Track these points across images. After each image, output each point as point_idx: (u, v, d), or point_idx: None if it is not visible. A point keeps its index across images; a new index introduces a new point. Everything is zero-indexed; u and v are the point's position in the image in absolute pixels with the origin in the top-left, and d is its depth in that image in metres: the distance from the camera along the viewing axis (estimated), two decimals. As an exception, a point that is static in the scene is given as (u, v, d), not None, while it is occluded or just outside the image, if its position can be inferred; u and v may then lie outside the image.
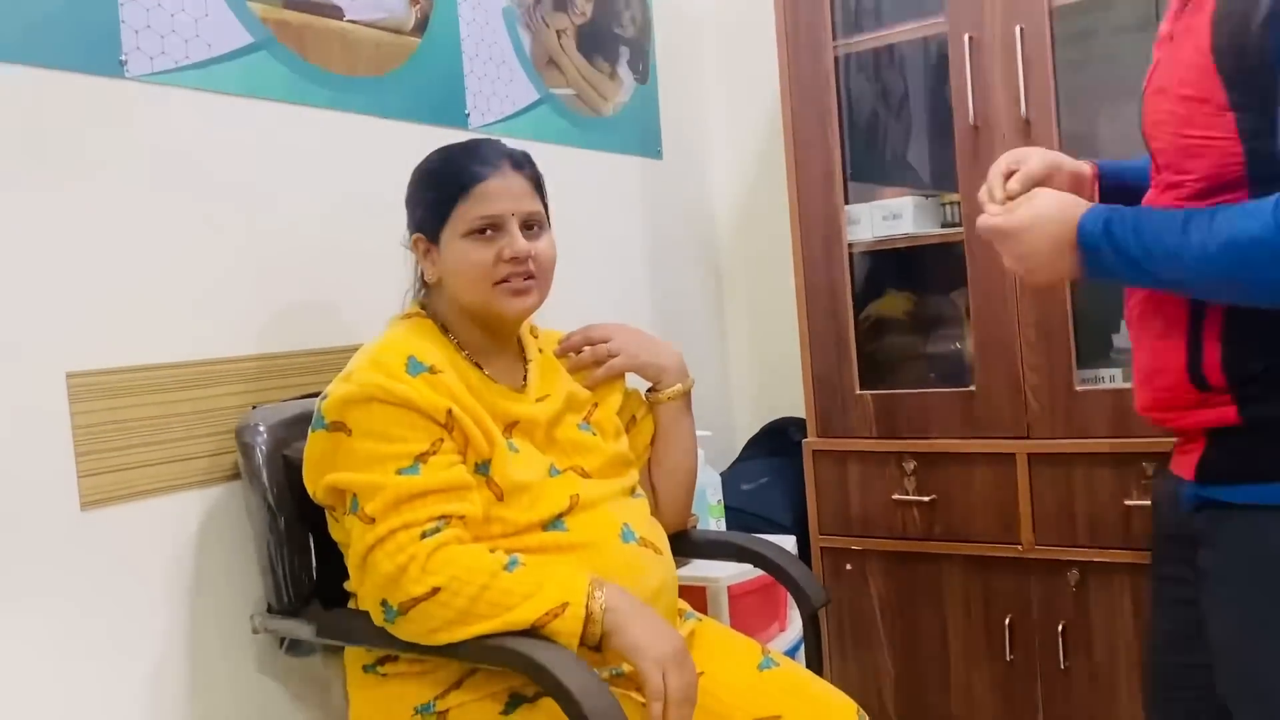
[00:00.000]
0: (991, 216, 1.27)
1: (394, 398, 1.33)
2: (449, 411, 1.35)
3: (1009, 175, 1.32)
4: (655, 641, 1.26)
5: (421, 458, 1.32)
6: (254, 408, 1.59)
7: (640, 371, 1.66)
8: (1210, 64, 1.12)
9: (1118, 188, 1.37)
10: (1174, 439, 1.29)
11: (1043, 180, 1.31)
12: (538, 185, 1.49)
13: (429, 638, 1.28)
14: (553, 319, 1.67)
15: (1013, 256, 1.27)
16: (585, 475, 1.48)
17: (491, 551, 1.32)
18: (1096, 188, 1.40)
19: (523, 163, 1.47)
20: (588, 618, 1.26)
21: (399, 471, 1.31)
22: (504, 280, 1.43)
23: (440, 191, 1.44)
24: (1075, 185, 1.35)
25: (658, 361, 1.67)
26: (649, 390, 1.68)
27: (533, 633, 1.25)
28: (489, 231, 1.42)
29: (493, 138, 1.50)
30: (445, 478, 1.32)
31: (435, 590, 1.25)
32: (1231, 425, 1.16)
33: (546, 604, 1.25)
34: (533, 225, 1.46)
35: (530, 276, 1.44)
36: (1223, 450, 1.18)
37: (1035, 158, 1.33)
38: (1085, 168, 1.38)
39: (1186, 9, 1.19)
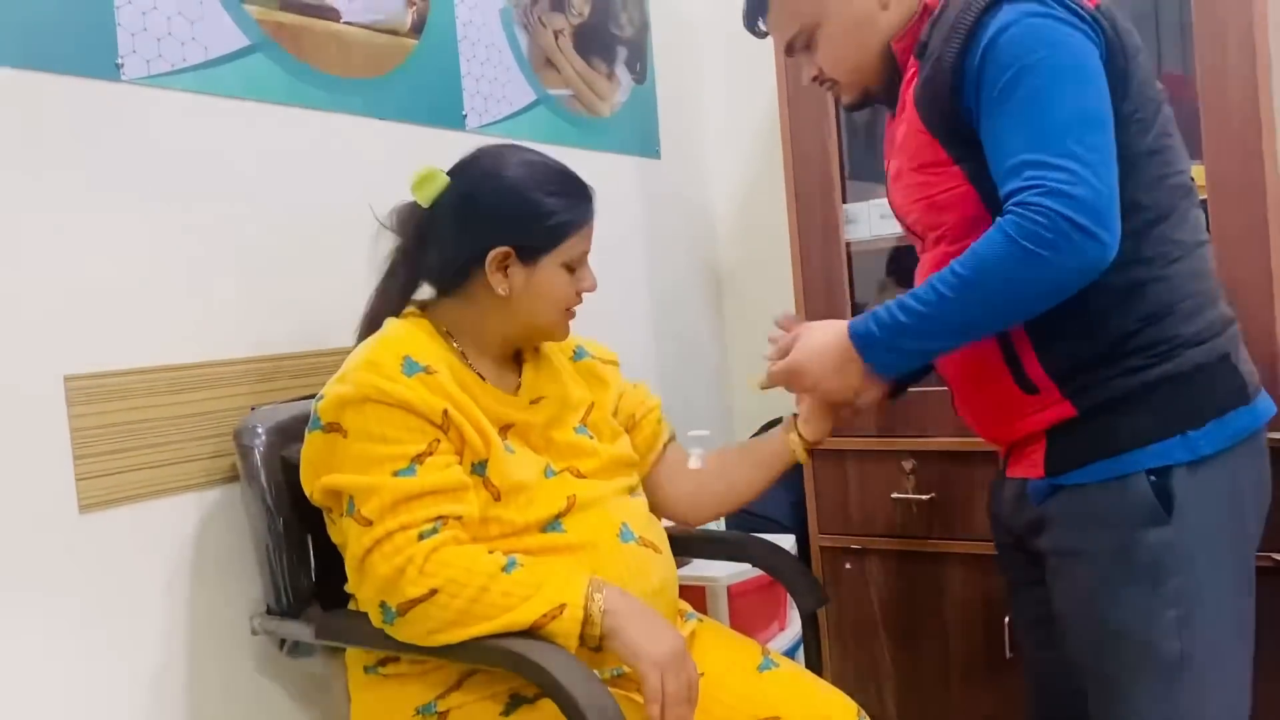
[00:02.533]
0: (773, 365, 1.45)
1: (389, 398, 1.32)
2: (445, 412, 1.35)
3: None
4: (654, 643, 1.26)
5: (418, 459, 1.32)
6: (252, 409, 1.59)
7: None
8: (925, 133, 1.33)
9: None
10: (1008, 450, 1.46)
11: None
12: None
13: (428, 639, 1.28)
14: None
15: (805, 387, 1.44)
16: (581, 476, 1.48)
17: (490, 553, 1.32)
18: None
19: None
20: (586, 619, 1.26)
21: (395, 473, 1.31)
22: (571, 308, 1.51)
23: (559, 220, 1.45)
24: None
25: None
26: (790, 429, 1.61)
27: (532, 634, 1.25)
28: (577, 266, 1.49)
29: (562, 164, 1.52)
30: (442, 479, 1.32)
31: (433, 592, 1.25)
32: (1070, 418, 1.32)
33: (544, 605, 1.25)
34: None
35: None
36: (1066, 441, 1.34)
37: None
38: None
39: (898, 113, 1.41)
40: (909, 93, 1.37)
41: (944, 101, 1.30)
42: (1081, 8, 1.26)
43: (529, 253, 1.44)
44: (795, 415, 1.61)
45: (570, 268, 1.47)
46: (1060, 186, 1.18)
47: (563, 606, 1.26)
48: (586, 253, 1.50)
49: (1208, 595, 1.29)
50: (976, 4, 1.27)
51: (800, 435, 1.59)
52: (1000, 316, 1.28)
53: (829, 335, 1.38)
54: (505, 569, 1.29)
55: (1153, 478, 1.28)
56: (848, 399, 1.44)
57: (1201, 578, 1.29)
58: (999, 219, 1.22)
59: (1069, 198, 1.18)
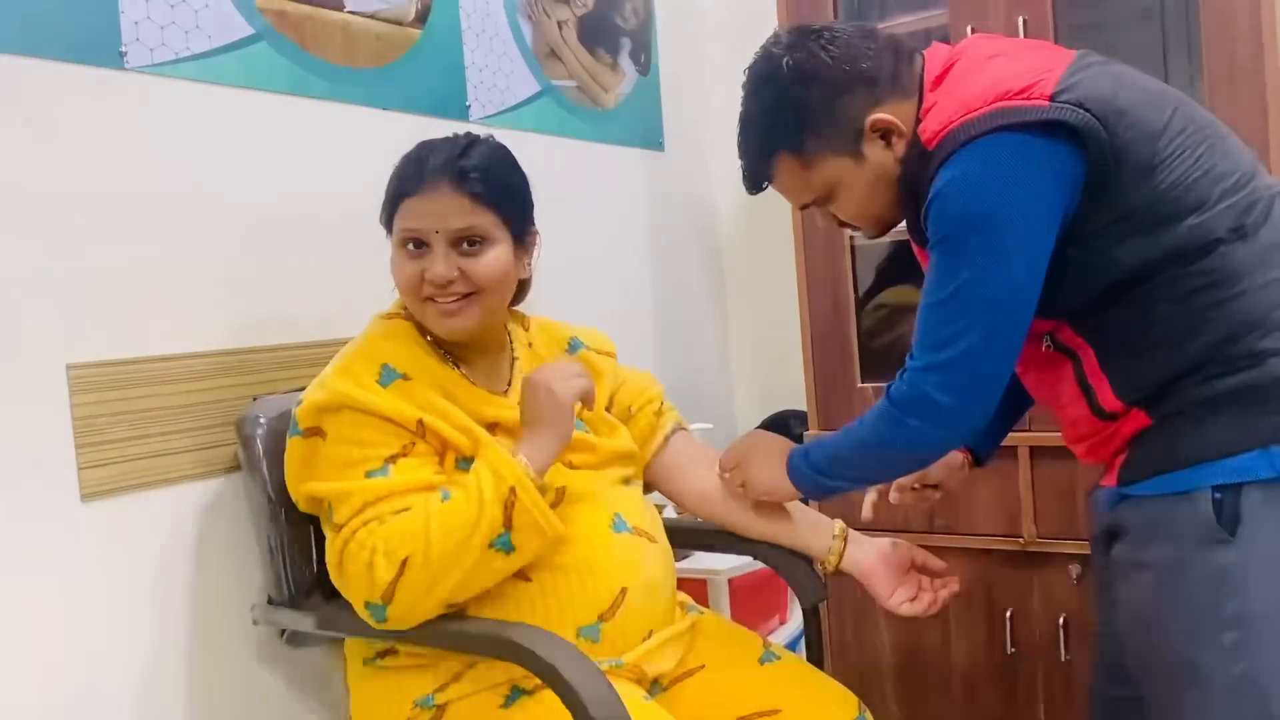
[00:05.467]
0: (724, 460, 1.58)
1: (363, 407, 1.33)
2: (419, 421, 1.35)
3: None
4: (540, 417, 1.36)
5: (392, 459, 1.33)
6: (254, 399, 1.59)
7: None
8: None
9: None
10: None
11: None
12: (489, 198, 1.39)
13: (424, 609, 1.29)
14: (554, 310, 1.67)
15: (740, 479, 1.54)
16: (573, 468, 1.47)
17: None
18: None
19: (466, 177, 1.38)
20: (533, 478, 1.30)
21: (369, 474, 1.31)
22: (430, 299, 1.39)
23: (388, 194, 1.43)
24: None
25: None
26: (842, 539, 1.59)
27: (512, 530, 1.29)
28: (418, 246, 1.39)
29: (462, 137, 1.44)
30: (414, 478, 1.33)
31: (404, 562, 1.26)
32: (1146, 427, 1.27)
33: (497, 503, 1.27)
34: (472, 241, 1.38)
35: (465, 295, 1.39)
36: (1142, 451, 1.29)
37: None
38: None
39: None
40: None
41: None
42: (1046, 120, 1.19)
43: (387, 232, 1.44)
44: (851, 530, 1.60)
45: (408, 249, 1.39)
46: (935, 364, 1.26)
47: (512, 490, 1.28)
48: (416, 232, 1.38)
49: (1272, 620, 1.21)
50: (937, 157, 1.24)
51: (844, 553, 1.57)
52: (886, 468, 1.44)
53: (773, 443, 1.53)
54: (442, 499, 1.30)
55: (1218, 495, 1.21)
56: (763, 497, 1.54)
57: (1266, 602, 1.21)
58: (891, 382, 1.33)
59: (941, 376, 1.26)
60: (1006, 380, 1.29)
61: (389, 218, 1.43)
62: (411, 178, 1.40)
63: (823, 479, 1.44)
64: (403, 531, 1.28)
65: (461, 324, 1.41)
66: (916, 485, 1.61)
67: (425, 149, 1.42)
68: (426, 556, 1.26)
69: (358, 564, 1.28)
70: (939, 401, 1.27)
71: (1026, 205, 1.21)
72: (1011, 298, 1.24)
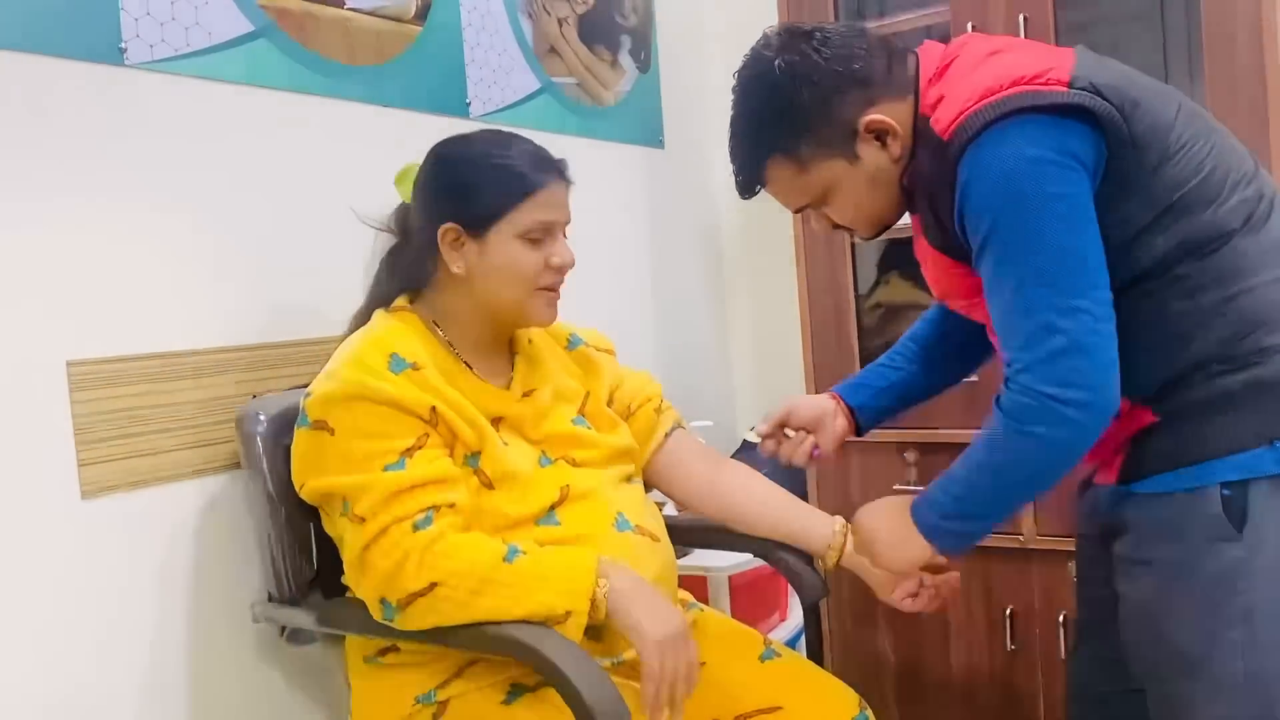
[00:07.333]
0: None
1: (377, 396, 1.32)
2: (433, 409, 1.35)
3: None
4: (657, 623, 1.26)
5: (408, 452, 1.32)
6: (254, 397, 1.59)
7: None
8: (958, 268, 1.32)
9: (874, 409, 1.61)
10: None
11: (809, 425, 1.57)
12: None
13: (426, 625, 1.28)
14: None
15: (872, 556, 1.42)
16: (576, 465, 1.47)
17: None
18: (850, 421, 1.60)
19: (566, 172, 1.46)
20: (591, 607, 1.26)
21: (385, 468, 1.30)
22: (547, 287, 1.43)
23: (500, 188, 1.40)
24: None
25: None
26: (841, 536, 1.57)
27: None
28: (541, 237, 1.41)
29: (524, 137, 1.47)
30: (432, 470, 1.32)
31: (433, 585, 1.25)
32: (1150, 424, 1.26)
33: (548, 610, 1.26)
34: (566, 234, 1.46)
35: (560, 284, 1.46)
36: (1141, 450, 1.28)
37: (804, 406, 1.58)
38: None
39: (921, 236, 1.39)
40: (924, 236, 1.36)
41: (955, 243, 1.28)
42: (1069, 104, 1.18)
43: (475, 226, 1.40)
44: (849, 526, 1.57)
45: (531, 240, 1.40)
46: (1037, 361, 1.18)
47: (568, 614, 1.26)
48: (550, 223, 1.42)
49: (1279, 617, 1.21)
50: (956, 144, 1.21)
51: (844, 549, 1.56)
52: (1022, 489, 1.29)
53: (895, 512, 1.39)
54: (507, 558, 1.28)
55: (1226, 491, 1.20)
56: (900, 571, 1.46)
57: (1273, 599, 1.20)
58: (998, 396, 1.23)
59: (1048, 369, 1.18)
60: (1114, 350, 1.20)
61: (504, 210, 1.39)
62: (538, 170, 1.41)
63: (958, 524, 1.32)
64: (450, 555, 1.27)
65: (557, 315, 1.47)
66: (778, 429, 1.58)
67: (519, 143, 1.44)
68: (454, 595, 1.26)
69: (388, 561, 1.27)
70: (1057, 397, 1.18)
71: (1066, 178, 1.18)
72: (1080, 265, 1.19)
